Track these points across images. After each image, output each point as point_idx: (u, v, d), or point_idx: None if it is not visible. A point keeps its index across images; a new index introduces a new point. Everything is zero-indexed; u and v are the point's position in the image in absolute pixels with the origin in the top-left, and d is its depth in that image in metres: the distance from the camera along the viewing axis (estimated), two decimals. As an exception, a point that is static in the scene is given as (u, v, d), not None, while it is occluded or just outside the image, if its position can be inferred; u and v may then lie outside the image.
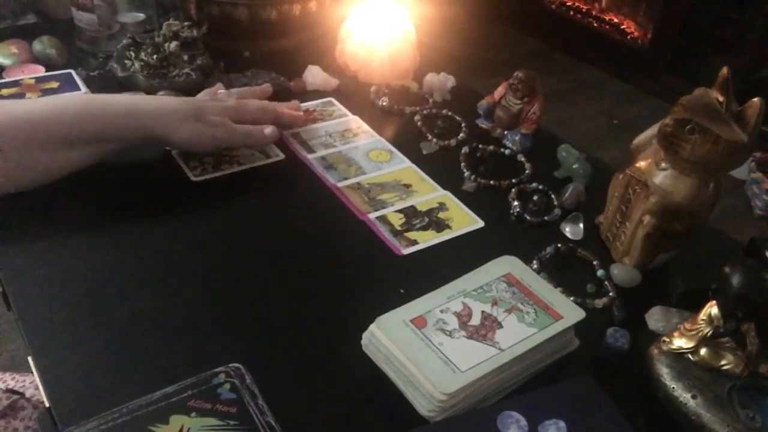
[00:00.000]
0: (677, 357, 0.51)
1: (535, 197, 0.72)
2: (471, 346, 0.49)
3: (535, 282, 0.55)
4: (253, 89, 0.81)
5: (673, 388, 0.50)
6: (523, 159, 0.79)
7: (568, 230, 0.69)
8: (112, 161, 0.67)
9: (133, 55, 0.85)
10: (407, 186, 0.73)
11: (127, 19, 0.93)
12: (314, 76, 0.90)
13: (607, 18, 3.17)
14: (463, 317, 0.51)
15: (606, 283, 0.62)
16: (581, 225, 0.69)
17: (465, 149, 0.79)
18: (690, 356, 0.51)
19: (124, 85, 0.84)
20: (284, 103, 0.80)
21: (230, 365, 0.49)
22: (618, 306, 0.60)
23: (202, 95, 0.77)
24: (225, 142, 0.70)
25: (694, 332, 0.51)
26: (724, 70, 0.57)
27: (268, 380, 0.49)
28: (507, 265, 0.57)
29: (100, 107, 0.65)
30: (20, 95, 0.76)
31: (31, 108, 0.63)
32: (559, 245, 0.66)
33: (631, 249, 0.63)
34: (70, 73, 0.82)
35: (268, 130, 0.72)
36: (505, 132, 0.82)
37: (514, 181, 0.75)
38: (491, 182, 0.75)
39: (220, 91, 0.78)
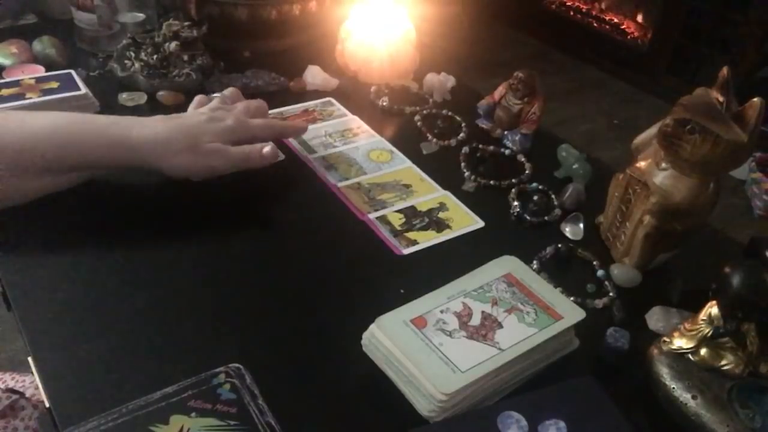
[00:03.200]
0: (677, 357, 0.51)
1: (535, 197, 0.72)
2: (471, 346, 0.49)
3: (535, 282, 0.55)
4: (248, 103, 0.72)
5: (673, 388, 0.50)
6: (523, 159, 0.79)
7: (568, 230, 0.69)
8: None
9: (133, 55, 0.86)
10: (407, 186, 0.73)
11: (127, 19, 0.93)
12: (314, 76, 0.90)
13: (607, 18, 3.17)
14: (463, 317, 0.51)
15: (606, 283, 0.62)
16: (581, 225, 0.69)
17: (465, 149, 0.79)
18: (690, 356, 0.51)
19: (124, 85, 0.84)
20: (289, 123, 0.76)
21: (230, 365, 0.49)
22: (618, 306, 0.60)
23: (192, 107, 0.71)
24: (222, 170, 0.65)
25: (694, 332, 0.51)
26: (724, 70, 0.57)
27: (268, 380, 0.49)
28: (507, 265, 0.57)
29: (92, 136, 0.61)
30: (20, 95, 0.76)
31: (24, 134, 0.60)
32: (559, 245, 0.66)
33: (631, 249, 0.63)
34: (70, 73, 0.82)
35: (267, 149, 0.66)
36: (505, 132, 0.82)
37: (514, 181, 0.75)
38: (491, 182, 0.75)
39: (215, 98, 0.71)
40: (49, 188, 0.63)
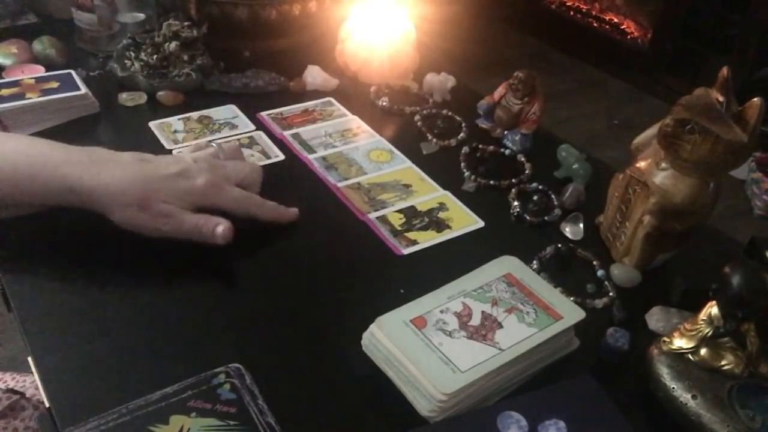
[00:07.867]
0: (677, 357, 0.51)
1: (535, 197, 0.72)
2: (471, 346, 0.49)
3: (535, 282, 0.55)
4: (238, 167, 0.66)
5: (673, 388, 0.50)
6: (523, 159, 0.79)
7: (568, 230, 0.69)
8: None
9: (133, 55, 0.86)
10: (407, 186, 0.73)
11: (127, 19, 0.93)
12: (314, 76, 0.90)
13: (607, 18, 3.17)
14: (463, 317, 0.51)
15: (606, 283, 0.62)
16: (581, 225, 0.69)
17: (465, 149, 0.79)
18: (690, 356, 0.51)
19: (124, 85, 0.84)
20: (271, 205, 0.65)
21: (230, 365, 0.49)
22: (618, 306, 0.60)
23: (188, 150, 0.66)
24: (170, 235, 0.60)
25: (694, 332, 0.51)
26: (724, 70, 0.57)
27: (268, 380, 0.49)
28: (507, 265, 0.57)
29: (43, 176, 0.58)
30: (20, 95, 0.76)
31: None
32: (559, 245, 0.66)
33: (631, 249, 0.63)
34: (70, 73, 0.82)
35: (220, 229, 0.59)
36: (505, 132, 0.82)
37: (514, 181, 0.75)
38: (491, 182, 0.75)
39: (209, 148, 0.67)
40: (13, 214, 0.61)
